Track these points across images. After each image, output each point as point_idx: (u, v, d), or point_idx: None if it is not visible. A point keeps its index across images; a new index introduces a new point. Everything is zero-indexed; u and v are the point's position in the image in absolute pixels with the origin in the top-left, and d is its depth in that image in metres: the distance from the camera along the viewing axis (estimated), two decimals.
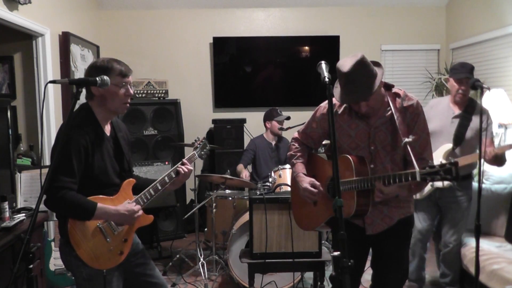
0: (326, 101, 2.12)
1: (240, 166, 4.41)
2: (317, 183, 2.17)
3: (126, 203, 2.04)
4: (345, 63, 1.95)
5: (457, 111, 3.09)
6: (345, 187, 2.03)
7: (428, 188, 3.09)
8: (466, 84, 2.99)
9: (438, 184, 2.89)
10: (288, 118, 4.42)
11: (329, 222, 2.22)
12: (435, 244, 3.65)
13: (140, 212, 2.06)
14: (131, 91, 2.05)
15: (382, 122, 2.09)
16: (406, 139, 1.92)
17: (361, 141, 2.12)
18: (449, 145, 3.04)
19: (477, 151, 2.89)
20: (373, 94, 1.95)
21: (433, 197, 3.19)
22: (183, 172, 2.19)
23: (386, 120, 2.08)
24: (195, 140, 2.44)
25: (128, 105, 2.06)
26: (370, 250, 2.33)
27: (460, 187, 3.13)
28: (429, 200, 3.20)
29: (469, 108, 3.06)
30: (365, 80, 1.93)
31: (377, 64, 2.04)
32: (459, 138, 3.03)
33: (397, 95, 2.11)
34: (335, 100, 2.18)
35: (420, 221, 3.25)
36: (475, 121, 3.01)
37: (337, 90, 2.06)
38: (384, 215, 2.14)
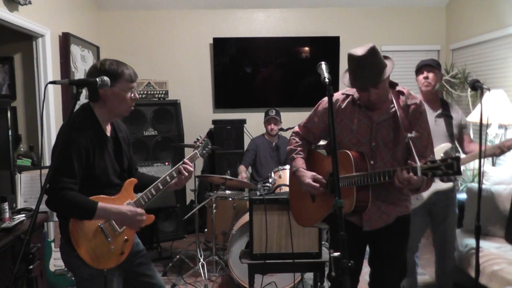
0: None
1: (241, 168, 4.42)
2: (319, 176, 2.18)
3: (127, 203, 2.04)
4: (357, 50, 1.99)
5: (435, 109, 2.99)
6: (344, 182, 2.03)
7: (427, 192, 2.91)
8: (427, 72, 2.92)
9: (442, 185, 2.87)
10: (275, 118, 4.39)
11: (327, 219, 2.22)
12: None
13: (144, 217, 2.04)
14: (137, 95, 2.07)
15: (385, 119, 2.10)
16: (410, 134, 1.94)
17: (363, 136, 2.13)
18: (447, 145, 3.01)
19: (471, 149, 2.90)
20: (382, 80, 1.98)
21: (428, 204, 2.97)
22: (184, 171, 2.19)
23: (389, 117, 2.10)
24: (197, 139, 2.44)
25: (132, 108, 2.07)
26: (367, 249, 2.34)
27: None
28: (424, 208, 2.98)
29: (445, 105, 3.01)
30: (376, 65, 1.97)
31: (387, 57, 2.09)
32: (451, 137, 2.97)
33: (401, 93, 2.15)
34: (337, 96, 2.20)
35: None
36: (454, 118, 2.98)
37: (346, 77, 2.10)
38: (382, 212, 2.15)
